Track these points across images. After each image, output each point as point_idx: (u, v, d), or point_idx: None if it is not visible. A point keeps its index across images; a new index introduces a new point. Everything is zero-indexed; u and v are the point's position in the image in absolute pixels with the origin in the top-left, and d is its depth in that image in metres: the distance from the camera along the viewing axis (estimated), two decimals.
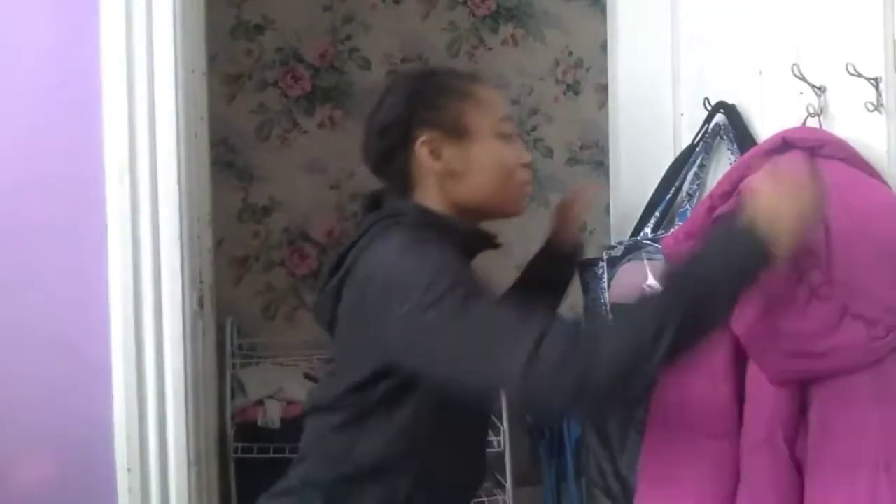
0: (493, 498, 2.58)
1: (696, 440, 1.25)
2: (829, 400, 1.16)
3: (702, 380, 1.24)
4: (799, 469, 1.18)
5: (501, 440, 2.51)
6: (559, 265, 1.50)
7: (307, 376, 2.79)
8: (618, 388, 1.01)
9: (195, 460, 1.67)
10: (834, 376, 1.14)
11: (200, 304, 1.69)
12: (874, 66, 1.21)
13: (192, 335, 1.65)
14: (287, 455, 2.57)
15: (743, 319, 1.17)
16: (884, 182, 1.20)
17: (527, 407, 1.06)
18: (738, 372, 1.24)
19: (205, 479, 1.73)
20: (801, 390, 1.18)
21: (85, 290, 1.63)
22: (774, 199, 1.03)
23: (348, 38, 3.12)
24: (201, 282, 1.70)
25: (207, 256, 1.76)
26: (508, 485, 2.58)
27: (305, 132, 3.11)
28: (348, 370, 1.20)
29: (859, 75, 1.20)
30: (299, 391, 2.70)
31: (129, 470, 1.62)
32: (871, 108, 1.20)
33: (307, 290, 3.13)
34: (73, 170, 1.63)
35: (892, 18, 1.22)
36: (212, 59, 2.43)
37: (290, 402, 2.66)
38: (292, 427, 2.62)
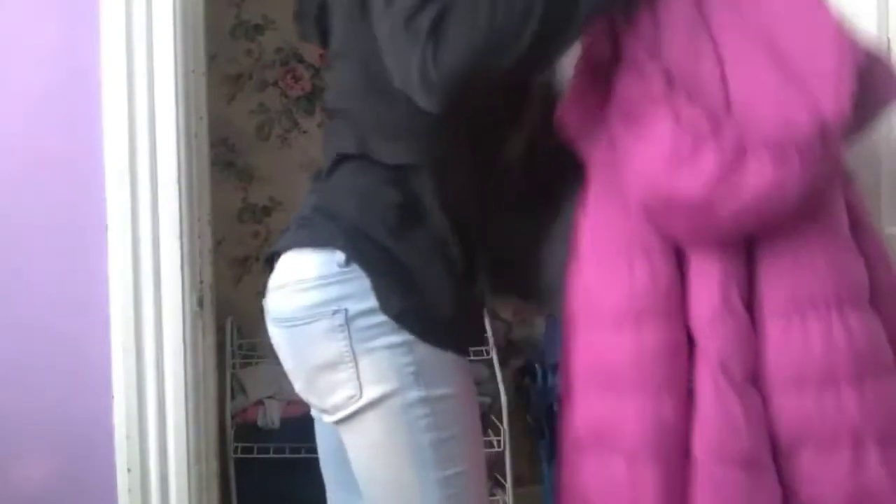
0: (494, 498, 2.58)
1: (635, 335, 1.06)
2: (772, 246, 1.01)
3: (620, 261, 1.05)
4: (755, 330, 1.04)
5: (501, 440, 2.51)
6: None
7: None
8: (466, 77, 0.96)
9: (195, 460, 1.67)
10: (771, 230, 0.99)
11: (200, 304, 1.69)
12: None
13: (192, 335, 1.65)
14: (287, 455, 2.58)
15: (633, 184, 1.00)
16: None
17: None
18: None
19: (205, 479, 1.73)
20: (744, 241, 1.02)
21: (85, 290, 1.63)
22: None
23: None
24: (201, 282, 1.70)
25: (207, 256, 1.76)
26: (508, 485, 2.58)
27: (305, 132, 3.11)
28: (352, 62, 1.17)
29: None
30: None
31: (128, 470, 1.63)
32: None
33: None
34: (73, 170, 1.63)
35: (885, 17, 1.23)
36: (211, 59, 2.43)
37: (290, 402, 2.66)
38: (292, 427, 2.62)
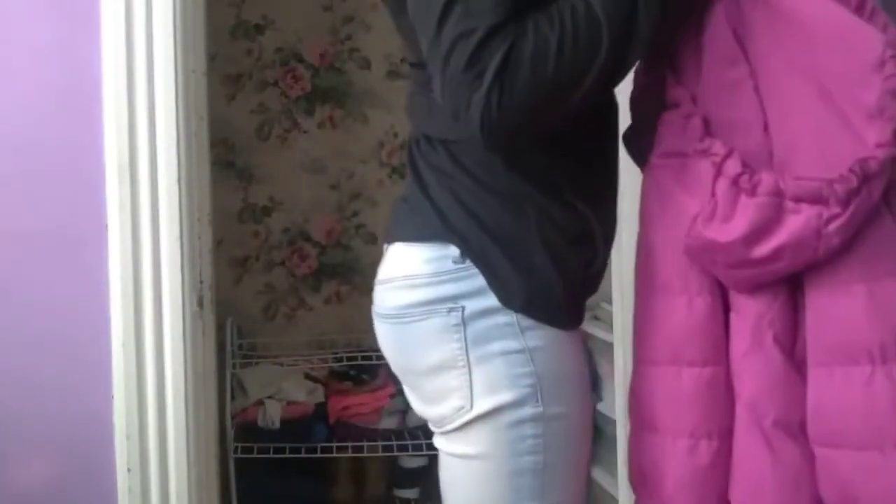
0: None
1: (675, 372, 1.06)
2: (813, 290, 0.97)
3: (666, 301, 1.05)
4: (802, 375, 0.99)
5: None
6: None
7: (307, 376, 2.80)
8: (531, 120, 0.94)
9: (195, 460, 1.67)
10: (811, 267, 0.96)
11: (200, 304, 1.69)
12: None
13: (192, 335, 1.65)
14: (287, 455, 2.58)
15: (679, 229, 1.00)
16: None
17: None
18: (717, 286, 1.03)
19: (205, 480, 1.73)
20: (789, 284, 0.99)
21: (85, 291, 1.63)
22: None
23: (348, 37, 3.12)
24: (201, 282, 1.70)
25: (207, 256, 1.76)
26: None
27: (305, 132, 3.11)
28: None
29: None
30: (299, 391, 2.70)
31: (129, 470, 1.63)
32: None
33: (307, 290, 3.14)
34: (74, 170, 1.63)
35: None
36: (212, 59, 2.44)
37: (289, 402, 2.66)
38: (292, 427, 2.63)
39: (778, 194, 0.93)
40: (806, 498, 0.99)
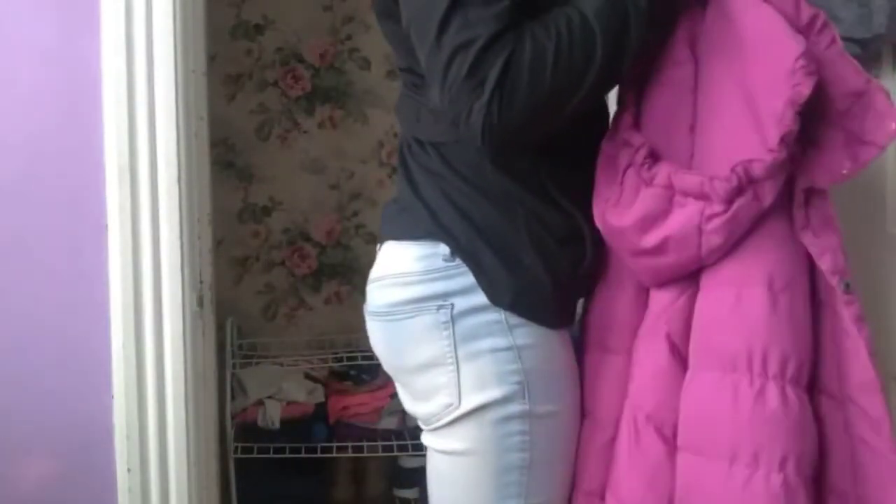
0: None
1: (602, 357, 1.11)
2: (700, 292, 0.99)
3: (606, 291, 1.11)
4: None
5: None
6: None
7: (307, 376, 2.80)
8: (530, 127, 0.97)
9: (195, 460, 1.67)
10: (701, 268, 0.97)
11: (200, 303, 1.69)
12: (872, 66, 1.21)
13: (192, 335, 1.65)
14: (287, 455, 2.58)
15: (598, 222, 1.06)
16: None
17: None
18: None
19: (205, 479, 1.73)
20: (695, 285, 1.00)
21: (85, 291, 1.63)
22: None
23: (348, 37, 3.12)
24: (201, 282, 1.70)
25: (207, 256, 1.76)
26: None
27: (305, 132, 3.11)
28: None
29: None
30: (299, 391, 2.70)
31: (129, 470, 1.63)
32: None
33: (307, 290, 3.14)
34: (73, 170, 1.63)
35: None
36: (212, 59, 2.44)
37: (290, 402, 2.66)
38: (292, 427, 2.63)
39: (669, 187, 0.95)
40: (657, 497, 0.99)
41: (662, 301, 1.01)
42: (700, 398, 0.97)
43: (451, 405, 1.08)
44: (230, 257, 3.07)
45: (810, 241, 0.94)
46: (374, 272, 1.16)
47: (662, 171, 0.96)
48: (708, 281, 0.98)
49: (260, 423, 2.62)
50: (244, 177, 3.09)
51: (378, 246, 1.18)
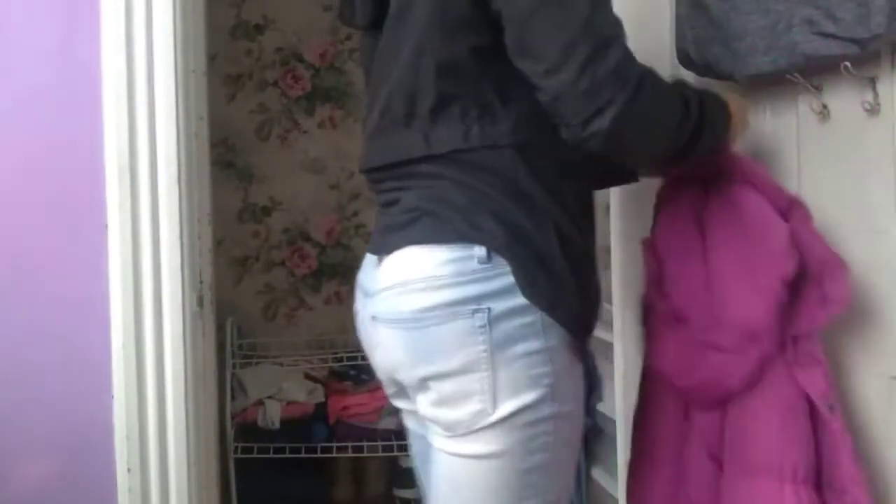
0: None
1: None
2: (733, 416, 1.22)
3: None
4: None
5: None
6: None
7: (307, 376, 2.80)
8: (639, 134, 1.05)
9: (195, 460, 1.67)
10: (730, 398, 1.22)
11: (200, 303, 1.69)
12: (871, 66, 1.21)
13: (192, 335, 1.65)
14: (287, 455, 2.58)
15: (651, 360, 1.33)
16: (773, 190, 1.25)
17: (554, 103, 1.03)
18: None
19: (205, 479, 1.73)
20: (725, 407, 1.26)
21: (85, 290, 1.63)
22: (733, 100, 1.23)
23: (348, 37, 3.12)
24: (201, 282, 1.70)
25: (207, 256, 1.76)
26: None
27: (305, 132, 3.12)
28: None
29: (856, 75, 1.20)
30: (299, 391, 2.70)
31: (129, 470, 1.62)
32: (868, 107, 1.20)
33: (307, 290, 3.14)
34: (74, 170, 1.63)
35: None
36: (212, 59, 2.44)
37: (289, 402, 2.66)
38: (292, 427, 2.63)
39: (701, 340, 1.22)
40: None
41: (702, 418, 1.26)
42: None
43: (483, 411, 1.05)
44: (230, 257, 3.07)
45: (800, 376, 1.17)
46: (391, 279, 1.11)
47: (692, 332, 1.23)
48: (740, 407, 1.21)
49: (260, 423, 2.62)
50: (244, 177, 3.09)
51: (379, 256, 1.15)
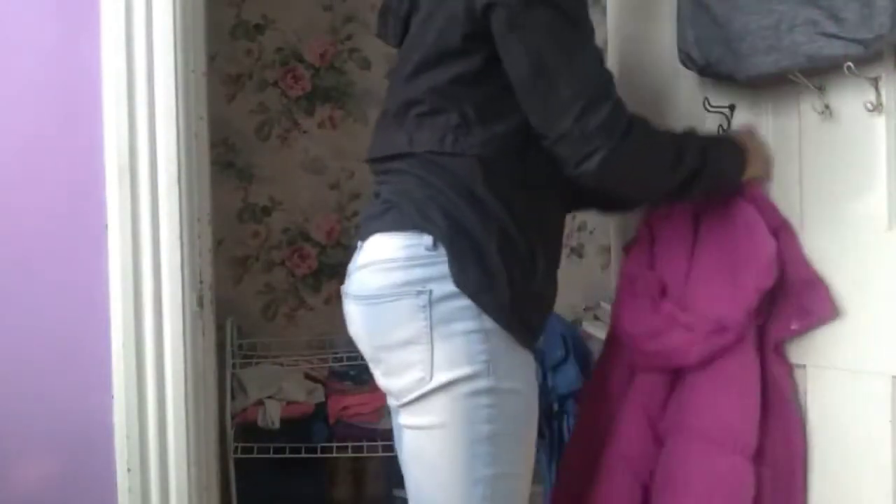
0: None
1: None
2: (686, 387, 1.37)
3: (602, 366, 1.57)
4: (658, 440, 1.40)
5: None
6: None
7: (307, 376, 2.80)
8: (627, 175, 1.24)
9: (195, 460, 1.67)
10: (684, 369, 1.37)
11: (200, 303, 1.69)
12: (874, 66, 1.20)
13: (191, 335, 1.65)
14: (287, 455, 2.58)
15: (615, 322, 1.49)
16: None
17: (553, 147, 1.23)
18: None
19: (205, 480, 1.73)
20: (671, 374, 1.40)
21: (85, 290, 1.62)
22: (758, 148, 1.37)
23: (348, 37, 3.12)
24: (201, 282, 1.70)
25: (207, 256, 1.75)
26: None
27: (305, 132, 3.11)
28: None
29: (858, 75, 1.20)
30: (299, 391, 2.70)
31: (128, 470, 1.62)
32: (871, 107, 1.20)
33: (307, 290, 3.14)
34: (73, 170, 1.63)
35: None
36: (212, 58, 2.43)
37: (289, 402, 2.66)
38: (292, 427, 2.63)
39: (671, 317, 1.36)
40: None
41: (645, 382, 1.42)
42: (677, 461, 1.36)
43: (423, 379, 1.21)
44: (230, 257, 3.07)
45: (775, 371, 1.33)
46: (359, 261, 1.30)
47: (667, 306, 1.37)
48: (690, 380, 1.37)
49: (260, 423, 2.62)
50: (244, 177, 3.09)
51: (360, 243, 1.33)
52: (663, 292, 1.41)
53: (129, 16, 1.58)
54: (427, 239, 1.22)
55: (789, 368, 1.35)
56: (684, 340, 1.35)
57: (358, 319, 1.30)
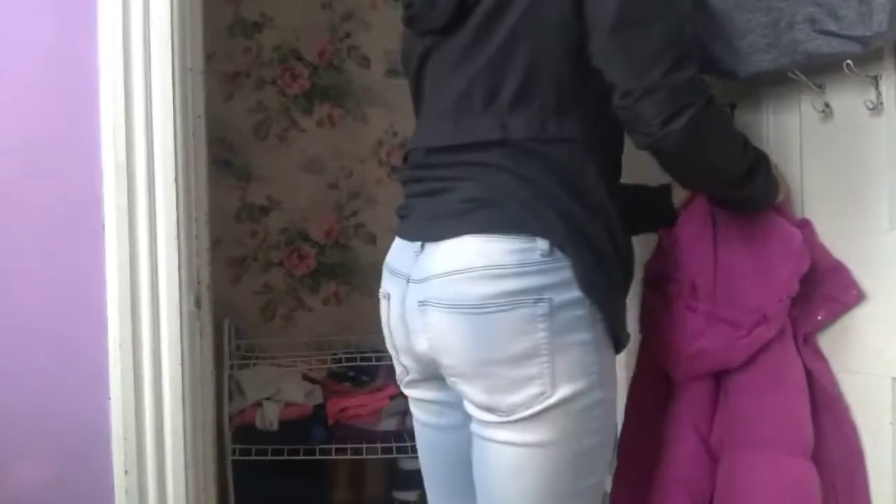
0: None
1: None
2: (731, 393, 1.33)
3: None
4: (711, 455, 1.35)
5: None
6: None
7: (306, 377, 2.79)
8: (707, 145, 1.14)
9: (192, 462, 1.66)
10: (729, 371, 1.32)
11: (198, 304, 1.69)
12: (873, 64, 1.20)
13: (189, 336, 1.65)
14: (285, 457, 2.57)
15: (648, 330, 1.43)
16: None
17: (636, 105, 1.09)
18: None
19: (202, 482, 1.72)
20: (713, 383, 1.36)
21: (82, 290, 1.62)
22: (779, 177, 1.32)
23: (347, 35, 3.11)
24: (199, 282, 1.70)
25: (205, 256, 1.75)
26: None
27: (304, 131, 3.10)
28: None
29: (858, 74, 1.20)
30: (297, 393, 2.69)
31: (126, 472, 1.62)
32: (871, 106, 1.20)
33: (306, 290, 3.13)
34: (70, 168, 1.62)
35: None
36: (209, 57, 2.42)
37: (288, 404, 2.65)
38: (290, 429, 2.62)
39: (711, 314, 1.32)
40: None
41: (689, 395, 1.37)
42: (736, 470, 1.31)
43: (542, 394, 1.13)
44: (228, 257, 3.06)
45: (811, 365, 1.29)
46: (449, 265, 1.16)
47: (704, 305, 1.32)
48: (734, 384, 1.32)
49: (258, 424, 2.61)
50: (242, 176, 3.08)
51: (427, 245, 1.20)
52: (694, 293, 1.35)
53: (126, 14, 1.58)
54: (542, 243, 1.12)
55: (826, 363, 1.30)
56: (730, 336, 1.29)
57: (451, 330, 1.15)
